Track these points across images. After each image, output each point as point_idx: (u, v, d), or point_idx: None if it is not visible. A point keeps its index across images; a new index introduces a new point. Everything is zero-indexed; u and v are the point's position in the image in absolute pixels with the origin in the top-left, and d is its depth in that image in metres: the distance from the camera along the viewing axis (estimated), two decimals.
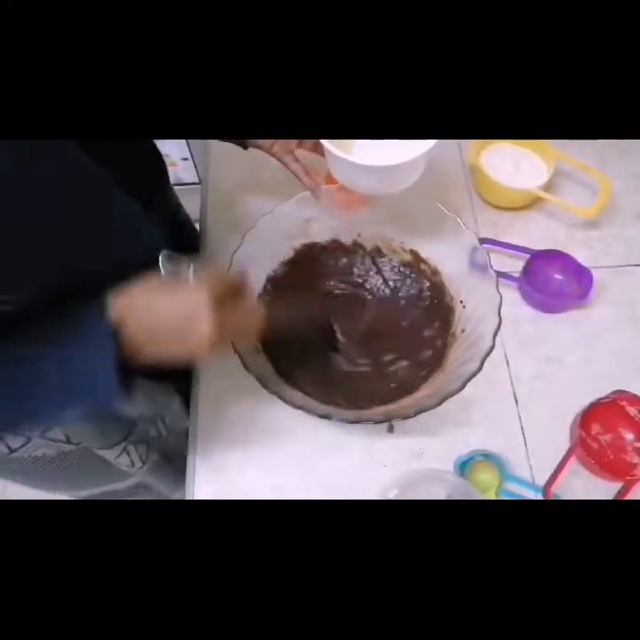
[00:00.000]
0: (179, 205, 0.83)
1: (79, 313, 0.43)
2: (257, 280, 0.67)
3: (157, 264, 0.49)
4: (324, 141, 0.56)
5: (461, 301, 0.66)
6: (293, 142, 0.65)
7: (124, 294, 0.44)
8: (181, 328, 0.44)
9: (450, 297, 0.68)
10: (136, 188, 0.51)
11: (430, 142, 0.56)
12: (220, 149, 0.87)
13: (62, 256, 0.46)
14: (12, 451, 0.62)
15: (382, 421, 0.58)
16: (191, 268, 0.45)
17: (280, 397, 0.55)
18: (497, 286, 0.60)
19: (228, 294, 0.47)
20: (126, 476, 0.81)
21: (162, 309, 0.44)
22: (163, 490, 0.88)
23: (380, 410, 0.62)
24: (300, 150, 0.66)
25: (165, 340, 0.44)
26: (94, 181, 0.47)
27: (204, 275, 0.48)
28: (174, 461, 0.78)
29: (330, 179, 0.66)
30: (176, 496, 0.91)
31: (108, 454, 0.70)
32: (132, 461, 0.75)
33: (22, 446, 0.62)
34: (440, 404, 0.54)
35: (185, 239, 0.81)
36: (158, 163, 0.71)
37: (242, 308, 0.50)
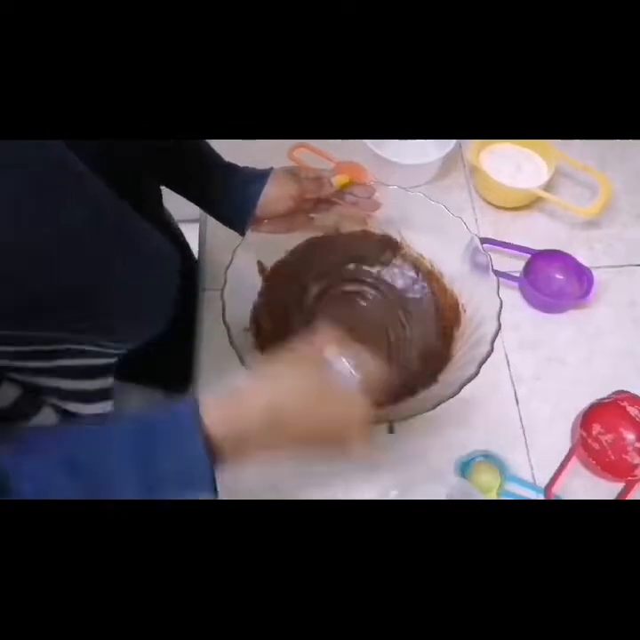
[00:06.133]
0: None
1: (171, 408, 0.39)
2: (256, 274, 0.67)
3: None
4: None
5: (462, 305, 0.66)
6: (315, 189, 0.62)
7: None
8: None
9: (451, 300, 0.68)
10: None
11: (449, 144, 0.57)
12: (220, 148, 0.87)
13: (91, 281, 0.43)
14: None
15: (376, 423, 0.58)
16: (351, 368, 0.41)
17: None
18: (497, 291, 0.59)
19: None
20: None
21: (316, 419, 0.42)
22: None
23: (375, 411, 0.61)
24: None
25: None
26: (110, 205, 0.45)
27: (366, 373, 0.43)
28: None
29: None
30: None
31: None
32: None
33: None
34: (435, 407, 0.54)
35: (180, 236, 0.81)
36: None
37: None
